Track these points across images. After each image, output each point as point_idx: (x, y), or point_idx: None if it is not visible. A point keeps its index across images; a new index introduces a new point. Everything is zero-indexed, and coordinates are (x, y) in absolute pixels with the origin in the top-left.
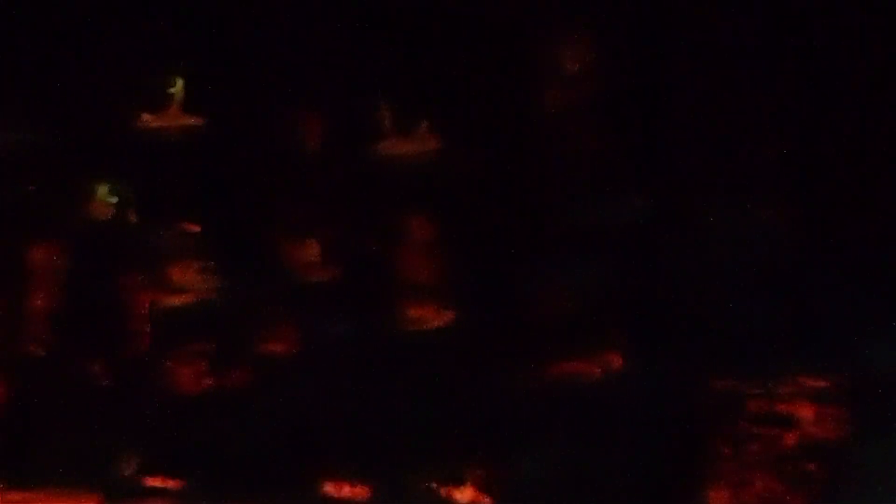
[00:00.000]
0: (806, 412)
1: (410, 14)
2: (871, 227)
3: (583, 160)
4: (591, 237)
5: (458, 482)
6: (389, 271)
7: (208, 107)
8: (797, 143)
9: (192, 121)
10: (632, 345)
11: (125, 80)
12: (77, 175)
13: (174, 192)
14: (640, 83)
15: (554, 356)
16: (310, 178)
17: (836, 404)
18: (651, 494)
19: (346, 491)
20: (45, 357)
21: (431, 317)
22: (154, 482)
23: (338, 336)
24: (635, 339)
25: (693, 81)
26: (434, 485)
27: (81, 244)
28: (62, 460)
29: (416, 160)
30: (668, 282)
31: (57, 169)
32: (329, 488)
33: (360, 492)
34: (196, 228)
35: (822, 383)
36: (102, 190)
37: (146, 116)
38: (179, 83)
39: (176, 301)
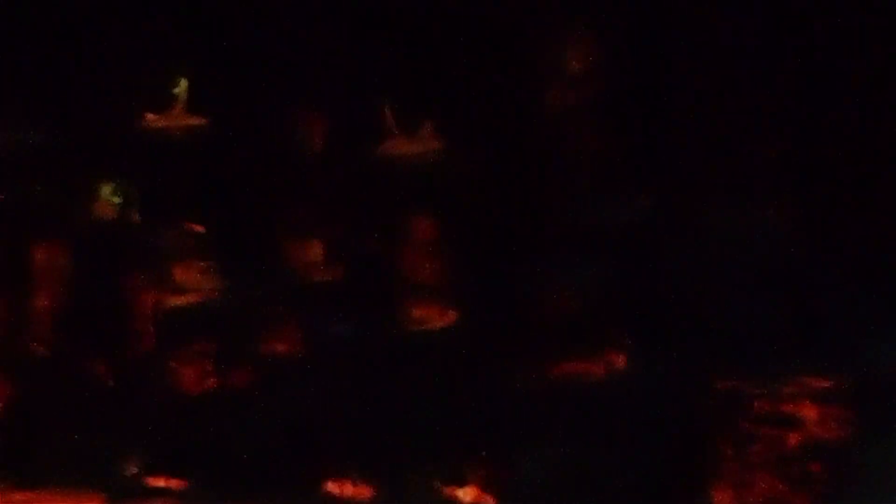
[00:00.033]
0: (809, 412)
1: (414, 15)
2: (875, 228)
3: (585, 160)
4: (594, 237)
5: (461, 482)
6: (392, 271)
7: (212, 107)
8: (800, 143)
9: (195, 121)
10: (635, 345)
11: (129, 80)
12: (81, 175)
13: (178, 192)
14: (643, 84)
15: (557, 356)
16: (313, 178)
17: (840, 405)
18: (654, 494)
19: (349, 490)
20: (49, 357)
21: (434, 317)
22: (157, 482)
23: (341, 336)
24: (638, 340)
25: (695, 82)
26: (437, 484)
27: (85, 244)
28: (66, 460)
29: (419, 161)
30: (671, 282)
31: (61, 169)
32: (332, 488)
33: (363, 491)
34: (200, 228)
35: (825, 384)
36: (106, 190)
37: (150, 116)
38: (183, 83)
39: (179, 301)
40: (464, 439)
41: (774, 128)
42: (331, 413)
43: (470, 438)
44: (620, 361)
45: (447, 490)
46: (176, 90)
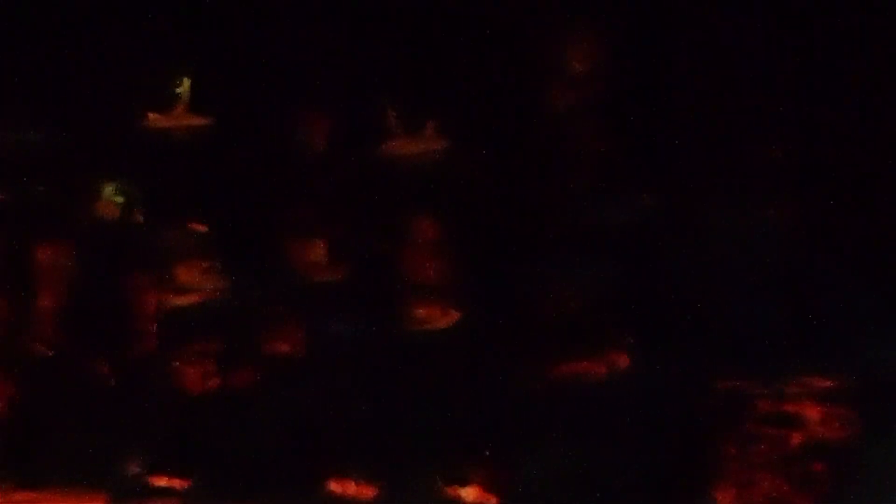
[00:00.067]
0: (812, 412)
1: (417, 15)
2: (879, 227)
3: (589, 160)
4: (597, 237)
5: (464, 482)
6: (395, 271)
7: (215, 107)
8: (802, 143)
9: (198, 121)
10: (638, 345)
11: (131, 79)
12: (83, 175)
13: (180, 192)
14: (645, 84)
15: (560, 356)
16: (316, 178)
17: (843, 404)
18: (657, 495)
19: (352, 490)
20: (51, 357)
21: (437, 317)
22: (160, 482)
23: (343, 336)
24: (641, 340)
25: (697, 82)
26: (439, 484)
27: (87, 244)
28: (68, 460)
29: (422, 160)
30: (673, 282)
31: (63, 169)
32: (334, 487)
33: (366, 491)
34: (202, 228)
35: (828, 383)
36: (108, 190)
37: (152, 116)
38: (186, 83)
39: (182, 301)
40: (466, 439)
41: (777, 128)
42: (333, 413)
43: (472, 438)
44: (622, 361)
45: (449, 490)
46: (178, 90)
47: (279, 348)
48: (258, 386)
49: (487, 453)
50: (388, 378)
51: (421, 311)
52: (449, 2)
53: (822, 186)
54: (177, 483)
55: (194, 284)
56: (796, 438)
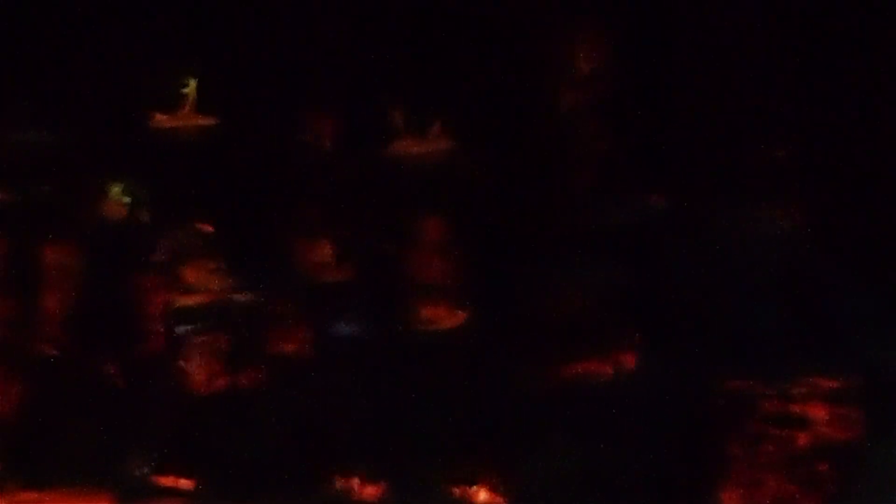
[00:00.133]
0: (818, 413)
1: (423, 15)
2: (885, 228)
3: (594, 161)
4: (604, 238)
5: (471, 482)
6: (402, 271)
7: (221, 107)
8: (808, 144)
9: (205, 121)
10: (645, 345)
11: (139, 80)
12: (90, 175)
13: (187, 192)
14: (650, 85)
15: (566, 356)
16: (323, 178)
17: (849, 405)
18: (664, 494)
19: (359, 491)
20: (58, 357)
21: (444, 317)
22: (166, 481)
23: (350, 336)
24: (648, 340)
25: (701, 83)
26: (447, 484)
27: (95, 244)
28: (75, 460)
29: (428, 161)
30: (681, 283)
31: (71, 169)
32: (341, 487)
33: (373, 491)
34: (209, 228)
35: (834, 384)
36: (116, 190)
37: (159, 116)
38: (193, 83)
39: (189, 301)
40: (473, 439)
41: (782, 129)
42: (340, 413)
43: (479, 438)
44: (629, 362)
45: (456, 490)
46: (185, 90)
47: (285, 348)
48: (265, 386)
49: (494, 453)
50: (394, 378)
51: (427, 312)
52: (454, 4)
53: (826, 188)
54: (183, 483)
55: (201, 284)
56: (802, 439)
